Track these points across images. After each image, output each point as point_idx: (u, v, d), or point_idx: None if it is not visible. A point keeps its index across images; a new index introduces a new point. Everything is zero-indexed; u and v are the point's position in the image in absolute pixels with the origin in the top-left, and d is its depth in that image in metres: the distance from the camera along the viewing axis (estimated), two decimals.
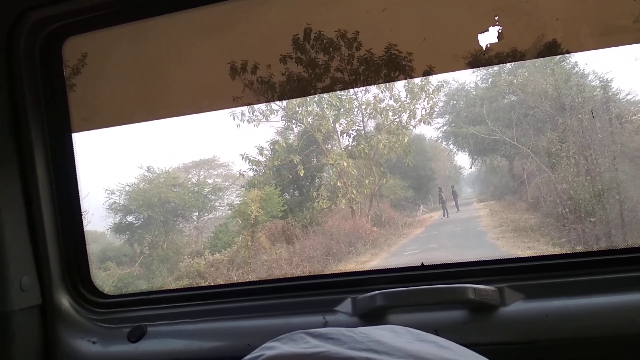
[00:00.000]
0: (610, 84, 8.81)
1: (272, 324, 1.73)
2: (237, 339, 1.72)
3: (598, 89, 8.90)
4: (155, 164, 12.59)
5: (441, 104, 11.66)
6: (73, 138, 1.96)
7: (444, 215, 12.23)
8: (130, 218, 12.41)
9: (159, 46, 2.19)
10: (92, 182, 11.76)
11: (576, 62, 9.26)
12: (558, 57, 8.89)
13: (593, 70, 9.14)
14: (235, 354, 1.25)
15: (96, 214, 11.74)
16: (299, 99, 10.86)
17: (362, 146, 11.12)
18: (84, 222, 2.02)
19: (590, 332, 1.46)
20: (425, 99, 11.07)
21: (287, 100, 10.78)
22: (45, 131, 1.89)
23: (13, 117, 1.82)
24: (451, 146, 12.73)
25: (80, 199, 1.97)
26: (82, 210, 2.00)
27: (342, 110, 11.36)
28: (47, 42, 1.88)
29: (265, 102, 9.57)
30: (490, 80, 10.92)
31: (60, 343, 1.86)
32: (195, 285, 7.86)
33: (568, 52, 2.11)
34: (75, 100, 2.00)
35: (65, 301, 1.90)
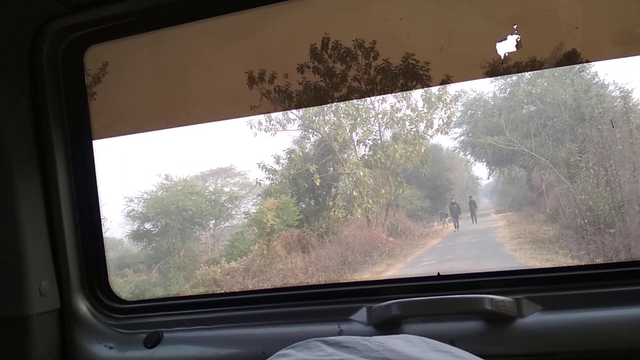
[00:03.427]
0: (630, 94, 8.72)
1: (287, 332, 1.72)
2: (252, 346, 1.72)
3: (618, 100, 8.80)
4: (174, 172, 12.72)
5: (459, 114, 11.64)
6: (93, 145, 1.99)
7: (455, 228, 12.05)
8: (148, 225, 12.52)
9: (178, 55, 2.21)
10: (112, 190, 11.92)
11: (596, 72, 9.20)
12: (578, 66, 8.81)
13: (613, 81, 9.07)
14: None
15: (114, 221, 11.88)
16: (315, 108, 10.90)
17: (379, 156, 11.10)
18: (103, 229, 2.04)
19: (610, 345, 1.43)
20: (442, 108, 11.04)
21: (304, 110, 10.82)
22: (66, 138, 1.92)
23: (35, 124, 1.85)
24: (468, 156, 12.70)
25: (100, 205, 2.00)
26: (101, 217, 2.02)
27: (358, 119, 11.37)
28: (69, 50, 1.91)
29: (282, 110, 9.62)
30: (508, 90, 10.87)
31: (78, 347, 1.87)
32: (211, 293, 7.88)
33: (588, 61, 2.09)
34: (96, 108, 2.03)
35: (83, 306, 1.92)
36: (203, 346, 1.78)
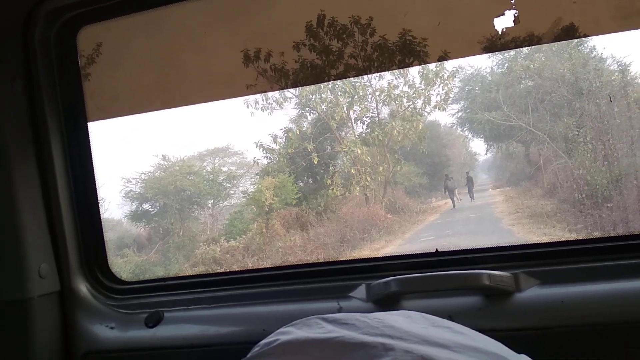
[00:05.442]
0: (628, 68, 8.66)
1: (287, 310, 1.74)
2: (253, 324, 1.74)
3: (616, 73, 8.75)
4: (171, 153, 12.68)
5: (456, 90, 11.56)
6: (89, 127, 1.98)
7: (454, 206, 12.01)
8: (146, 206, 12.53)
9: (173, 35, 2.19)
10: (109, 171, 11.90)
11: (594, 46, 9.12)
12: (575, 41, 8.75)
13: (611, 54, 9.00)
14: (250, 339, 1.26)
15: (113, 202, 11.90)
16: (312, 87, 10.82)
17: (376, 133, 11.07)
18: (101, 210, 2.04)
19: (607, 318, 1.45)
20: (440, 84, 10.96)
21: (300, 88, 10.75)
22: (61, 120, 1.91)
23: (29, 107, 1.84)
24: (466, 132, 12.64)
25: (97, 186, 1.99)
26: (99, 198, 2.02)
27: (355, 97, 11.30)
28: (61, 31, 1.89)
29: (279, 89, 9.57)
30: (506, 65, 10.78)
31: (79, 328, 1.89)
32: (211, 272, 7.94)
33: (586, 35, 2.07)
34: (91, 90, 2.02)
35: (83, 287, 1.93)
36: (204, 325, 1.80)
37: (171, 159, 12.75)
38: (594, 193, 7.88)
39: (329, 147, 11.87)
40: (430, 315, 1.22)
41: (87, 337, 1.88)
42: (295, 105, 11.60)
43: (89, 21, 1.92)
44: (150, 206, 12.52)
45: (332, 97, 11.36)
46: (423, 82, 10.92)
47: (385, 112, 11.52)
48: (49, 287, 1.84)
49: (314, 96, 11.32)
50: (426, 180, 12.72)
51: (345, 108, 11.33)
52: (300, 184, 11.80)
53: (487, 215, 10.68)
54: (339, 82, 10.82)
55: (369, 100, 11.45)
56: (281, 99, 11.29)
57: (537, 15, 1.99)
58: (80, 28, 1.93)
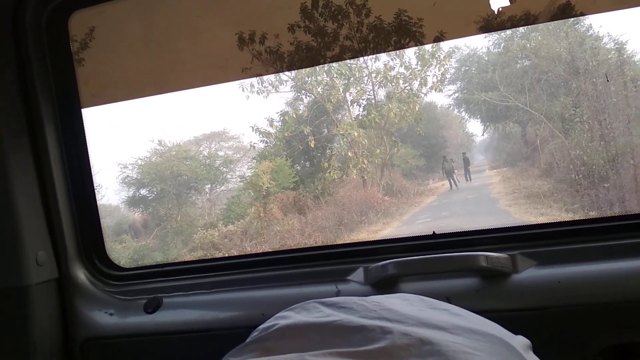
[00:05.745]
0: (625, 46, 8.63)
1: (286, 294, 1.74)
2: (252, 308, 1.74)
3: (613, 52, 8.71)
4: (167, 138, 12.63)
5: (452, 71, 11.51)
6: (83, 113, 1.96)
7: (451, 187, 12.03)
8: (143, 191, 12.53)
9: (167, 19, 2.17)
10: (106, 157, 11.87)
11: (590, 24, 9.07)
12: (572, 19, 8.69)
13: (608, 33, 8.96)
14: (249, 324, 1.26)
15: (110, 188, 11.88)
16: (308, 69, 10.76)
17: (373, 115, 11.03)
18: (98, 196, 2.04)
19: (603, 298, 1.46)
20: (436, 65, 10.92)
21: (296, 71, 10.68)
22: (55, 107, 1.89)
23: (22, 93, 1.82)
24: (463, 113, 12.61)
25: (93, 173, 1.98)
26: (96, 184, 2.01)
27: (352, 79, 11.24)
28: (53, 16, 1.86)
29: (274, 72, 9.51)
30: (502, 45, 10.72)
31: (78, 315, 1.89)
32: (210, 257, 7.95)
33: (582, 14, 2.05)
34: (84, 75, 1.99)
35: (81, 274, 1.93)
36: (203, 310, 1.80)
37: (167, 144, 12.73)
38: (590, 173, 7.90)
39: (326, 130, 11.83)
40: (428, 298, 1.22)
41: (86, 323, 1.89)
42: (291, 88, 11.55)
43: (80, 5, 1.89)
44: (147, 191, 12.52)
45: (328, 79, 11.30)
46: (419, 63, 10.87)
47: (381, 94, 11.50)
48: (47, 275, 1.84)
49: (309, 79, 11.27)
50: (423, 162, 12.72)
51: (341, 90, 11.28)
52: (297, 167, 11.79)
53: (484, 196, 10.71)
54: (334, 64, 10.76)
55: (365, 82, 11.41)
56: (277, 82, 11.24)
57: None
58: (72, 12, 1.90)
